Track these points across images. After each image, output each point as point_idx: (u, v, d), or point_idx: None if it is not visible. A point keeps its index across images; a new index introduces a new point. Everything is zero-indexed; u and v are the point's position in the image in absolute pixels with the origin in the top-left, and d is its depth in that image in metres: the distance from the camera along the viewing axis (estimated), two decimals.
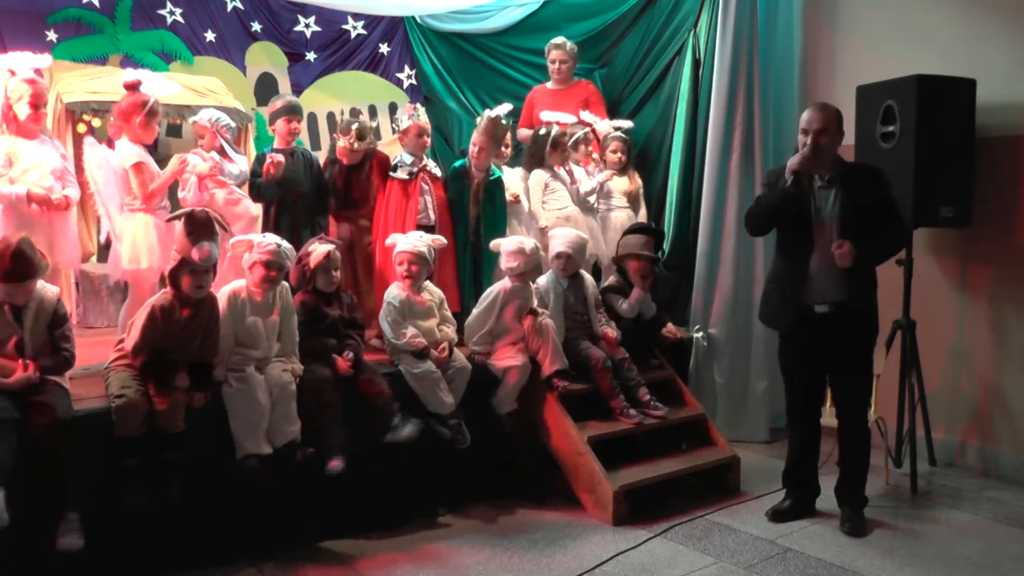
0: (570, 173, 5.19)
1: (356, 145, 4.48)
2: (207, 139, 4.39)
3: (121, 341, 3.52)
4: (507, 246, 4.29)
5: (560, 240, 4.49)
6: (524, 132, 5.68)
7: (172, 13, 5.96)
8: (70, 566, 3.11)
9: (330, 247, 3.87)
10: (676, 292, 5.57)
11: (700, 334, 5.27)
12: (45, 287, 3.24)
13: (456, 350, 4.13)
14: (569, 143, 5.18)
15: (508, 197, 4.86)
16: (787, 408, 4.08)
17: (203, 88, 5.55)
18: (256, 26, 6.28)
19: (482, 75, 6.67)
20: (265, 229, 4.30)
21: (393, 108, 6.65)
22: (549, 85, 5.89)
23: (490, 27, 6.55)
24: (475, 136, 4.67)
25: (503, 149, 5.04)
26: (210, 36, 6.11)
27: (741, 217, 4.51)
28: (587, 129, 5.37)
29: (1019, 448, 4.53)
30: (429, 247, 4.12)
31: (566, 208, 5.06)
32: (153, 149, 4.41)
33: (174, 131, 5.75)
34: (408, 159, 4.62)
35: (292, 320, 3.74)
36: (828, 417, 4.13)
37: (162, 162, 4.22)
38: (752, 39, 5.18)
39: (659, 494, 4.13)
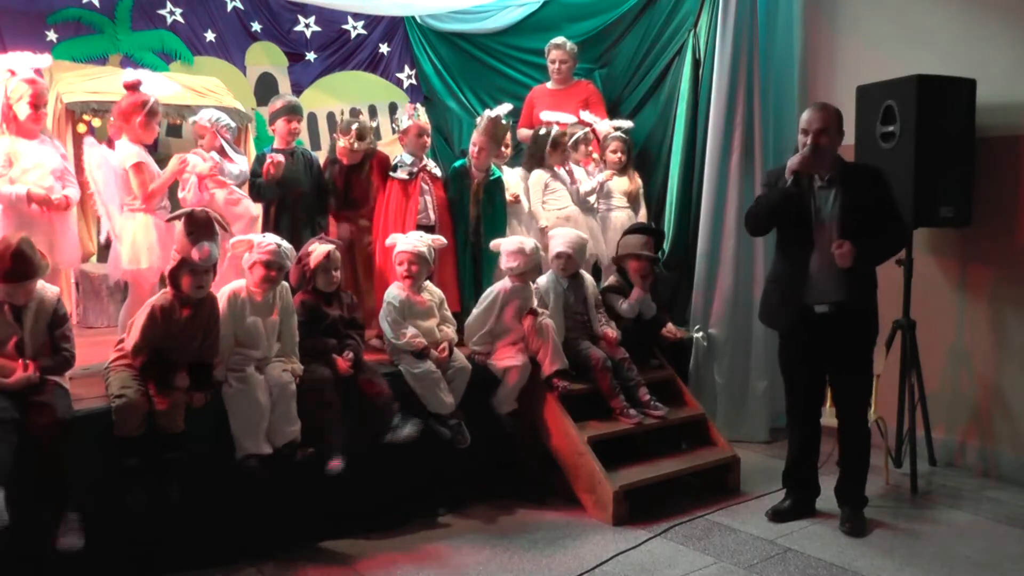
0: (570, 173, 5.20)
1: (356, 145, 4.48)
2: (207, 139, 4.39)
3: (121, 341, 3.52)
4: (507, 246, 4.29)
5: (560, 240, 4.49)
6: (524, 132, 5.68)
7: (172, 13, 5.96)
8: (70, 566, 3.11)
9: (330, 247, 3.87)
10: (676, 292, 5.57)
11: (700, 334, 5.27)
12: (45, 287, 3.24)
13: (456, 350, 4.13)
14: (569, 143, 5.19)
15: (508, 197, 4.86)
16: (787, 408, 4.08)
17: (203, 88, 5.55)
18: (256, 26, 6.29)
19: (482, 75, 6.67)
20: (265, 229, 4.30)
21: (393, 108, 6.65)
22: (549, 85, 5.89)
23: (490, 27, 6.55)
24: (475, 136, 4.67)
25: (503, 149, 5.04)
26: (210, 36, 6.12)
27: (741, 217, 4.51)
28: (587, 129, 5.37)
29: (1019, 448, 4.53)
30: (429, 247, 4.12)
31: (566, 208, 5.06)
32: (153, 149, 4.41)
33: (174, 131, 5.75)
34: (408, 159, 4.62)
35: (292, 320, 3.74)
36: (828, 417, 4.13)
37: (162, 162, 4.22)
38: (752, 39, 5.18)
39: (659, 494, 4.13)
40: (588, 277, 4.66)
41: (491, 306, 4.26)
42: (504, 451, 4.31)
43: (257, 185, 4.38)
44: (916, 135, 4.29)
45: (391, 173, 4.61)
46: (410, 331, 3.99)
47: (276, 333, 3.67)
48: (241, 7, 6.23)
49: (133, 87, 3.94)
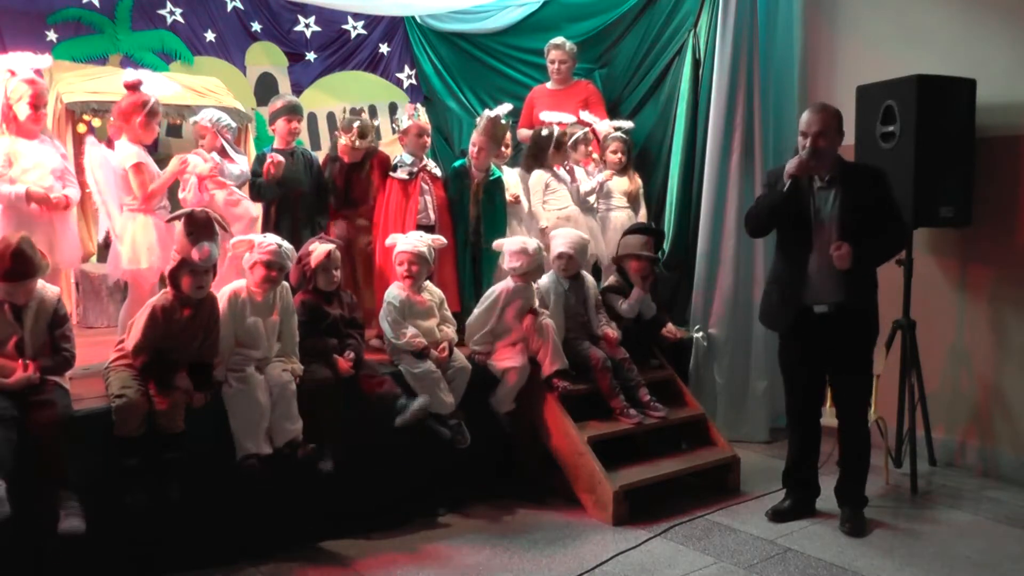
0: (571, 172, 5.20)
1: (358, 143, 4.48)
2: (208, 139, 4.39)
3: (121, 341, 3.52)
4: (510, 246, 4.30)
5: (561, 241, 4.49)
6: (524, 132, 5.68)
7: (172, 13, 5.96)
8: (70, 566, 3.11)
9: (330, 247, 3.87)
10: (676, 292, 5.57)
11: (700, 334, 5.27)
12: (45, 287, 3.24)
13: (456, 350, 4.13)
14: (569, 143, 5.19)
15: (508, 197, 4.86)
16: (787, 408, 4.08)
17: (203, 88, 5.55)
18: (256, 26, 6.29)
19: (482, 75, 6.67)
20: (265, 229, 4.29)
21: (393, 108, 6.65)
22: (549, 85, 5.89)
23: (490, 27, 6.55)
24: (475, 136, 4.67)
25: (503, 149, 5.04)
26: (210, 36, 6.12)
27: (741, 217, 4.51)
28: (587, 129, 5.37)
29: (1019, 448, 4.53)
30: (429, 247, 4.12)
31: (566, 208, 5.05)
32: (153, 149, 4.41)
33: (174, 131, 5.75)
34: (408, 159, 4.62)
35: (292, 320, 3.74)
36: (828, 417, 4.13)
37: (162, 162, 4.22)
38: (752, 39, 5.18)
39: (659, 494, 4.13)
40: (589, 278, 4.66)
41: (493, 306, 4.26)
42: (504, 451, 4.31)
43: (257, 185, 4.38)
44: (916, 135, 4.29)
45: (391, 173, 4.61)
46: (410, 331, 3.99)
47: (276, 333, 3.67)
48: (241, 7, 6.23)
49: (133, 87, 3.94)
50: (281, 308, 3.68)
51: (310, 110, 6.26)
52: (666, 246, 5.41)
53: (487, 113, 4.70)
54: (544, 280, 4.49)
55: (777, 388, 4.69)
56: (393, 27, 6.69)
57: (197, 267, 3.36)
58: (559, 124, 5.24)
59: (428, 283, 4.22)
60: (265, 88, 6.24)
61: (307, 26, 6.46)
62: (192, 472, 3.32)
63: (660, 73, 5.85)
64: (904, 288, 4.47)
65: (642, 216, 5.44)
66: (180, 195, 4.23)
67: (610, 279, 4.87)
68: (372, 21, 6.62)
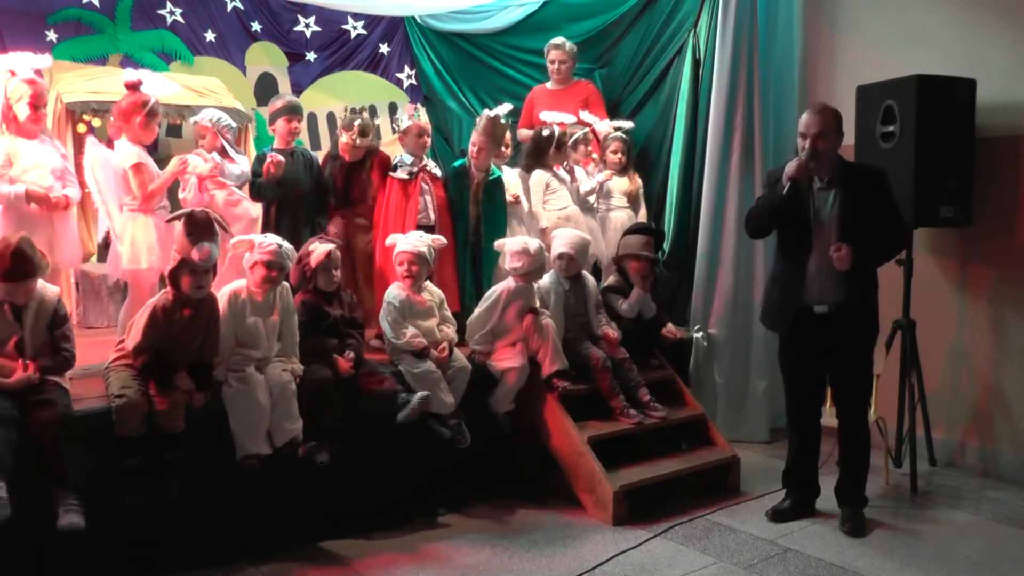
0: (571, 172, 5.20)
1: (359, 141, 4.49)
2: (208, 139, 4.39)
3: (121, 341, 3.52)
4: (511, 246, 4.30)
5: (562, 241, 4.49)
6: (524, 132, 5.68)
7: (172, 13, 5.96)
8: (70, 566, 3.11)
9: (330, 246, 3.87)
10: (676, 292, 5.57)
11: (700, 334, 5.27)
12: (45, 287, 3.24)
13: (456, 350, 4.13)
14: (569, 143, 5.19)
15: (508, 197, 4.86)
16: (787, 408, 4.08)
17: (203, 88, 5.55)
18: (256, 26, 6.29)
19: (482, 75, 6.67)
20: (265, 229, 4.29)
21: (393, 108, 6.65)
22: (549, 85, 5.89)
23: (490, 27, 6.55)
24: (475, 136, 4.67)
25: (503, 149, 5.04)
26: (210, 36, 6.12)
27: (741, 217, 4.52)
28: (587, 129, 5.37)
29: (1019, 448, 4.53)
30: (429, 247, 4.12)
31: (566, 208, 5.05)
32: (153, 149, 4.41)
33: (174, 131, 5.75)
34: (408, 159, 4.62)
35: (292, 320, 3.74)
36: (828, 417, 4.13)
37: (162, 162, 4.21)
38: (752, 39, 5.18)
39: (659, 494, 4.13)
40: (590, 278, 4.66)
41: (494, 305, 4.26)
42: (504, 451, 4.31)
43: (257, 185, 4.38)
44: (916, 135, 4.29)
45: (391, 173, 4.61)
46: (410, 331, 3.99)
47: (276, 333, 3.67)
48: (241, 7, 6.23)
49: (133, 87, 3.94)
50: (281, 308, 3.68)
51: (310, 110, 6.26)
52: (666, 246, 5.41)
53: (487, 113, 4.70)
54: (544, 280, 4.49)
55: (777, 388, 4.68)
56: (393, 27, 6.69)
57: (197, 267, 3.36)
58: (559, 124, 5.24)
59: (428, 283, 4.22)
60: (265, 88, 6.24)
61: (307, 26, 6.46)
62: (192, 472, 3.32)
63: (660, 73, 5.85)
64: (904, 288, 4.47)
65: (642, 216, 5.44)
66: (180, 195, 4.23)
67: (610, 279, 4.87)
68: (372, 21, 6.63)
